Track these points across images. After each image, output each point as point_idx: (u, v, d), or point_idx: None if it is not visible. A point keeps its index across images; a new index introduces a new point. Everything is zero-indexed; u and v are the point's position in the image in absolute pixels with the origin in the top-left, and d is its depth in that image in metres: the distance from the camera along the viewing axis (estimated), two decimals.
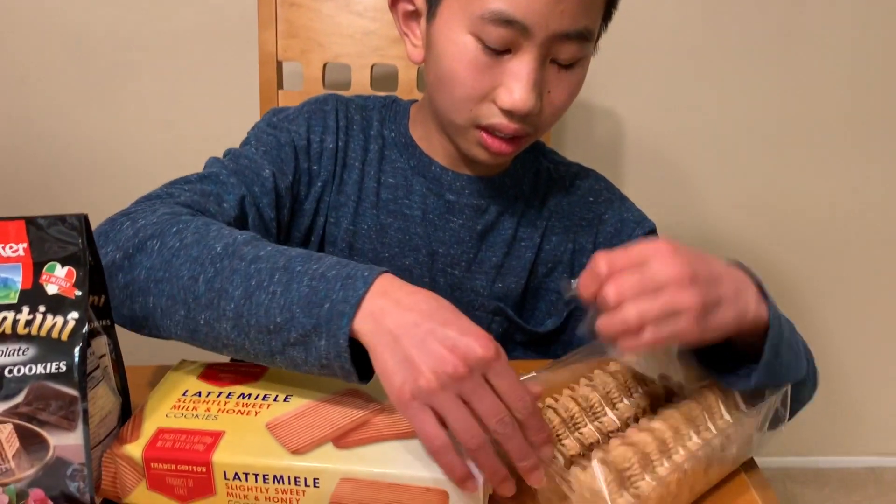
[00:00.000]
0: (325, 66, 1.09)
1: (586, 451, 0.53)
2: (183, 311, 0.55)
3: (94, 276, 0.52)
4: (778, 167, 1.40)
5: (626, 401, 0.56)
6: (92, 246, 0.52)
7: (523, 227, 0.83)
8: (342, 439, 0.52)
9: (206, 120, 1.27)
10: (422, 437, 0.48)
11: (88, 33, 1.22)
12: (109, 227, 0.61)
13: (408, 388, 0.48)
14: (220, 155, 0.77)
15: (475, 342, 0.48)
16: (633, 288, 0.49)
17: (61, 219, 0.51)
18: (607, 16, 0.72)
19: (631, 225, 0.84)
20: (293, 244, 0.77)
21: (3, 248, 0.51)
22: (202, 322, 0.55)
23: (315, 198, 0.79)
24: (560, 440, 0.53)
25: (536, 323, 0.84)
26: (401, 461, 0.50)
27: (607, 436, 0.54)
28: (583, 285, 0.51)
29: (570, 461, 0.51)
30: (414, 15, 0.75)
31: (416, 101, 0.86)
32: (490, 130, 0.70)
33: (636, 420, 0.55)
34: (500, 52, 0.66)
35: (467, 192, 0.80)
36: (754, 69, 1.32)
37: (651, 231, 0.85)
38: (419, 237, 0.80)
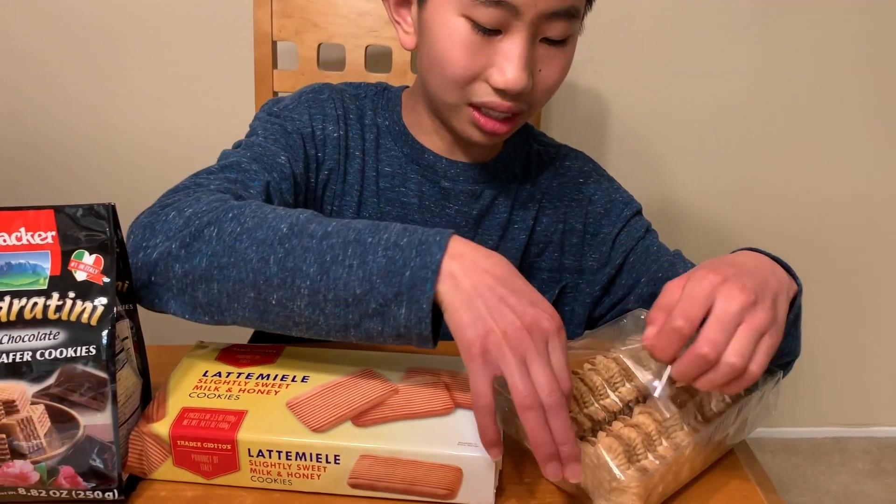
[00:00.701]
0: (319, 46, 1.10)
1: (596, 426, 0.56)
2: (252, 294, 0.56)
3: (119, 263, 0.54)
4: (760, 149, 1.44)
5: (627, 385, 0.60)
6: (118, 234, 0.54)
7: (516, 209, 0.85)
8: (360, 418, 0.55)
9: (200, 98, 1.27)
10: (473, 391, 0.51)
11: (81, 8, 1.21)
12: (154, 219, 0.60)
13: (478, 343, 0.50)
14: (219, 145, 0.78)
15: (543, 313, 0.51)
16: (723, 336, 0.51)
17: (89, 208, 0.52)
18: None
19: (620, 205, 0.87)
20: None
21: (32, 235, 0.52)
22: (274, 302, 0.55)
23: (322, 186, 0.80)
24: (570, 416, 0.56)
25: None
26: (417, 439, 0.53)
27: (614, 414, 0.57)
28: (661, 348, 0.52)
29: (580, 437, 0.55)
30: (404, 2, 0.77)
31: (406, 87, 0.88)
32: (483, 110, 0.72)
33: (637, 402, 0.59)
34: (491, 32, 0.68)
35: (462, 179, 0.82)
36: (739, 51, 1.35)
37: (638, 212, 0.88)
38: (417, 224, 0.82)
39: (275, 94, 1.10)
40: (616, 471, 0.50)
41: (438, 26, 0.70)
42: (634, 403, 0.58)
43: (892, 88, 1.41)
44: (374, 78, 1.09)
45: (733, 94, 1.38)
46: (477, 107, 0.72)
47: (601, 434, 0.53)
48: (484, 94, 0.71)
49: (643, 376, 0.59)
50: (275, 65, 1.10)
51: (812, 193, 1.48)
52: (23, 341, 0.51)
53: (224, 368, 0.61)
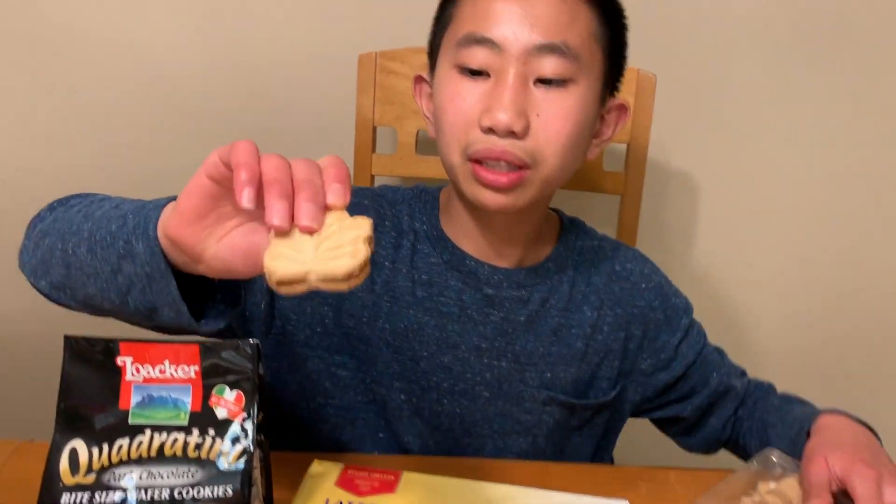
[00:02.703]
0: (417, 132, 1.10)
1: None
2: (60, 245, 0.61)
3: (259, 398, 0.54)
4: (856, 230, 1.38)
5: None
6: (260, 368, 0.53)
7: (571, 312, 0.81)
8: None
9: None
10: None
11: (183, 84, 1.24)
12: None
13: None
14: None
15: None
16: None
17: (234, 345, 0.52)
18: (615, 48, 0.74)
19: (679, 313, 0.86)
20: (332, 348, 0.78)
21: (176, 369, 0.52)
22: (70, 251, 0.60)
23: (333, 298, 0.77)
24: None
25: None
26: None
27: None
28: None
29: None
30: (430, 95, 0.78)
31: (441, 187, 0.84)
32: (482, 162, 0.69)
33: None
34: (479, 74, 0.69)
35: (506, 285, 0.78)
36: (832, 123, 1.31)
37: (692, 317, 0.87)
38: (457, 334, 0.78)
39: (372, 178, 1.11)
40: None
41: (439, 85, 0.73)
42: None
43: None
44: None
45: (826, 169, 1.33)
46: (476, 160, 0.70)
47: None
48: (478, 141, 0.69)
49: None
50: (373, 149, 1.11)
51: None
52: (161, 478, 0.51)
53: (345, 497, 0.60)
